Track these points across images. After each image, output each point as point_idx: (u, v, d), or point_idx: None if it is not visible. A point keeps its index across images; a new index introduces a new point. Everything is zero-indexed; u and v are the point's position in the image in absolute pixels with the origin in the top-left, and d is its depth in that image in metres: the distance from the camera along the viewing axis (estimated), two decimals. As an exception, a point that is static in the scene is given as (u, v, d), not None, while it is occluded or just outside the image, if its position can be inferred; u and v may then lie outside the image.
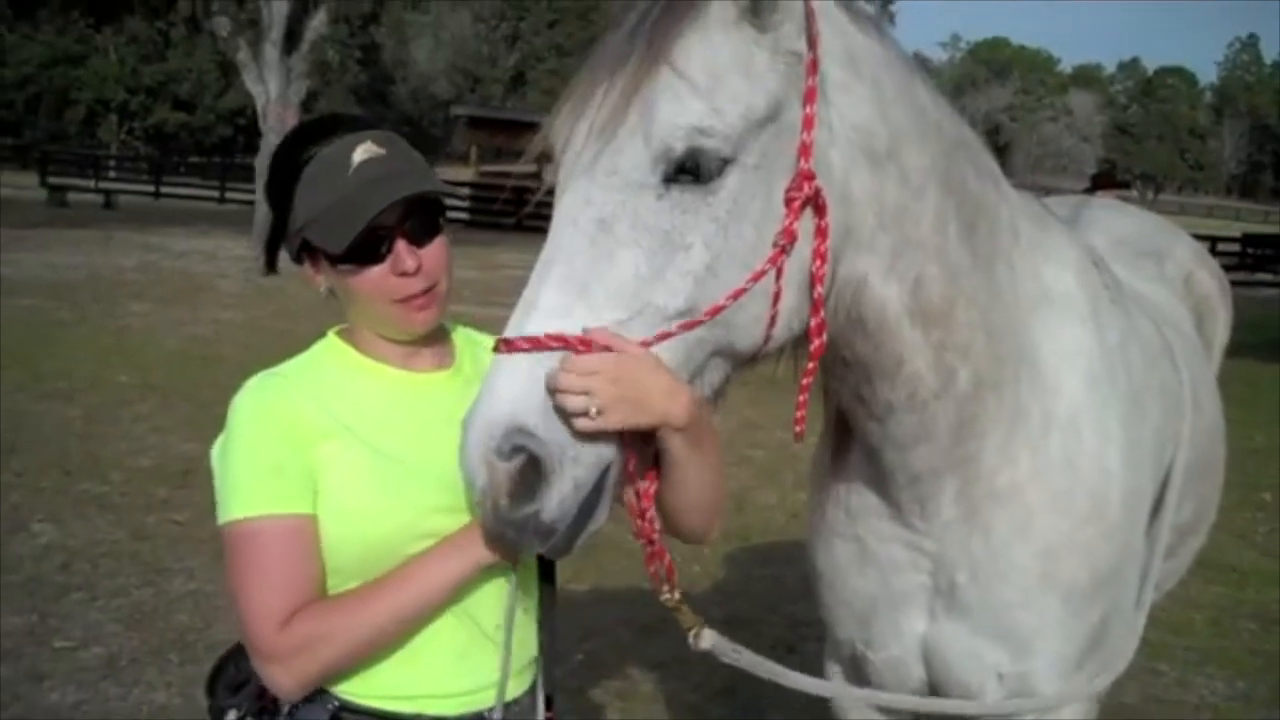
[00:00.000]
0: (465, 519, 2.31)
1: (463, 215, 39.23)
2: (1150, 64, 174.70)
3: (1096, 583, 2.77)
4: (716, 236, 2.09)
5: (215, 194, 47.12)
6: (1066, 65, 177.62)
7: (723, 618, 6.82)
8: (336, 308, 2.52)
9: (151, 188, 47.66)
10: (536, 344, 1.99)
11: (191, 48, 75.08)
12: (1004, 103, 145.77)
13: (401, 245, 2.33)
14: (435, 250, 2.38)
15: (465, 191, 41.34)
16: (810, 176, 2.17)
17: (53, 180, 43.14)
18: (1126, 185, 14.18)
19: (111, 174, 52.98)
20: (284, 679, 2.28)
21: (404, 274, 2.33)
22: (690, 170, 2.07)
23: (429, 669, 2.37)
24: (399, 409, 2.43)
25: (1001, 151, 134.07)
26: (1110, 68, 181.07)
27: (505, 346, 2.01)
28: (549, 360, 1.98)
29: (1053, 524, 2.71)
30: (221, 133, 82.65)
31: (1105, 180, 12.78)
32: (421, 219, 2.37)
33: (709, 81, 2.08)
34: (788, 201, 2.15)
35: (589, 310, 2.01)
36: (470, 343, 2.63)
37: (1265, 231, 55.72)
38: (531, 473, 1.98)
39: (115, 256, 24.41)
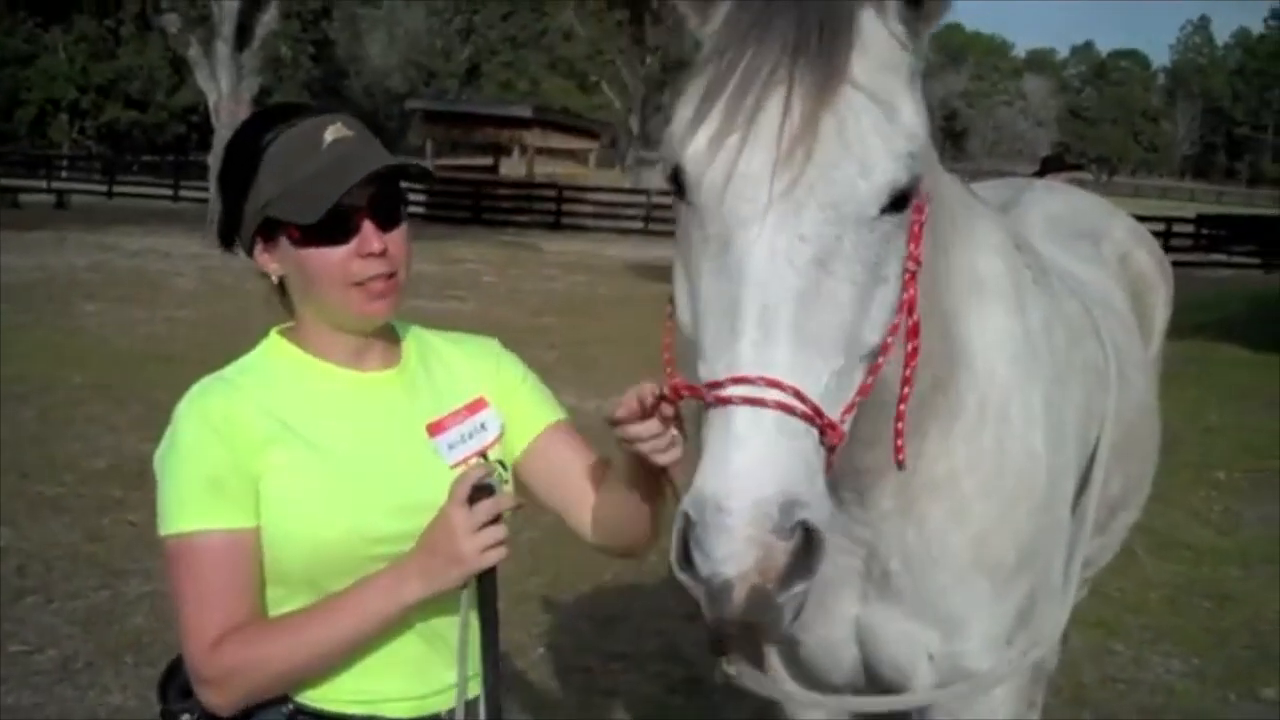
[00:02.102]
0: (417, 521, 2.26)
1: (419, 209, 39.22)
2: (1103, 47, 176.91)
3: (1022, 561, 2.79)
4: (901, 265, 2.04)
5: (169, 192, 46.76)
6: (1020, 50, 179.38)
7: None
8: (280, 306, 2.49)
9: (104, 187, 47.32)
10: (811, 416, 1.85)
11: (142, 45, 74.44)
12: (959, 88, 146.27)
13: (368, 226, 2.29)
14: (398, 238, 2.35)
15: (421, 185, 41.29)
16: (928, 200, 2.12)
17: (3, 181, 42.71)
18: (1079, 168, 14.04)
19: (63, 174, 52.52)
20: (214, 698, 2.25)
21: (369, 255, 2.29)
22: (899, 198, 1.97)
23: (386, 675, 2.35)
24: (347, 410, 2.39)
25: (958, 137, 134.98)
26: (1063, 52, 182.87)
27: (757, 402, 1.82)
28: (799, 425, 1.84)
29: (984, 509, 2.71)
30: (174, 130, 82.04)
31: (1055, 164, 12.76)
32: (388, 205, 2.34)
33: (890, 99, 1.97)
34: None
35: (823, 362, 1.89)
36: (418, 340, 2.59)
37: (1219, 212, 56.16)
38: (804, 548, 1.81)
39: (68, 257, 24.20)
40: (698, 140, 1.98)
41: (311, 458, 2.30)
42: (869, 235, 1.95)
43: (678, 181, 2.03)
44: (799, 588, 1.82)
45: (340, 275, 2.30)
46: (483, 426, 2.48)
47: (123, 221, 32.94)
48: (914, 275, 2.10)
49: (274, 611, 2.32)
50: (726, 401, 1.85)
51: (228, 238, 2.46)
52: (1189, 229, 39.46)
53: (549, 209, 42.94)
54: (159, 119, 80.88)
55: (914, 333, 2.21)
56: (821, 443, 1.89)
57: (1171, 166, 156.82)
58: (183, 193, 45.31)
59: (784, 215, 1.90)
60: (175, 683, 2.44)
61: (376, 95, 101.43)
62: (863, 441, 2.48)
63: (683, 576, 1.85)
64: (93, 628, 6.36)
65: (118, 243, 27.53)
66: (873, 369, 2.01)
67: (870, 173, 1.92)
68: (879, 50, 2.01)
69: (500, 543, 2.21)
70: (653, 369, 2.20)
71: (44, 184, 45.73)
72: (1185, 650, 6.86)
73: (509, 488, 2.46)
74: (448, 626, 2.38)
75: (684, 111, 2.03)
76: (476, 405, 2.50)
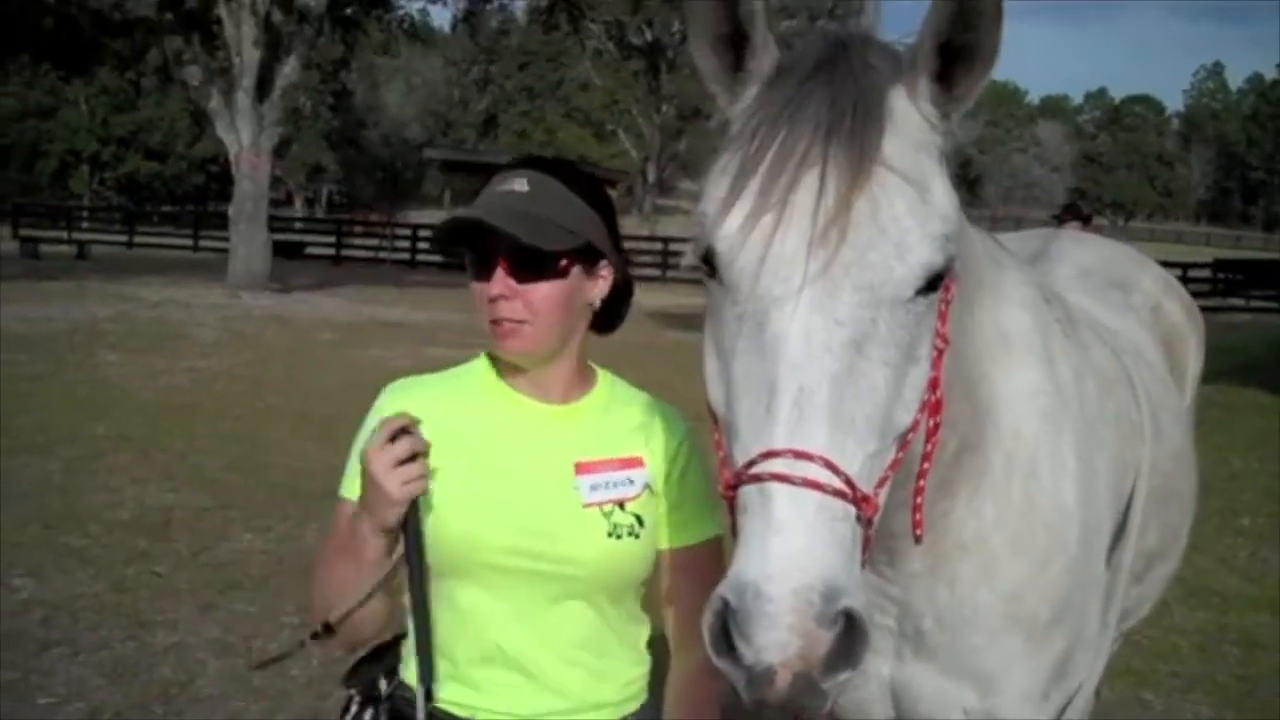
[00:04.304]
0: (528, 542, 2.48)
1: (437, 258, 39.32)
2: (1117, 93, 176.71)
3: (1056, 616, 2.76)
4: (931, 344, 2.04)
5: (189, 242, 47.09)
6: (1034, 96, 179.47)
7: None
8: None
9: (125, 238, 47.66)
10: (844, 491, 1.84)
11: (163, 97, 75.13)
12: (973, 135, 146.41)
13: (499, 272, 2.45)
14: (536, 291, 2.48)
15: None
16: (955, 277, 2.11)
17: (24, 232, 43.04)
18: (1088, 219, 13.74)
19: (84, 225, 52.94)
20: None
21: (492, 298, 2.46)
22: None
23: (488, 694, 2.53)
24: (509, 430, 2.58)
25: (973, 184, 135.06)
26: (1077, 98, 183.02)
27: (792, 481, 1.81)
28: (837, 510, 1.83)
29: (1014, 566, 2.69)
30: (194, 181, 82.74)
31: (1069, 214, 12.78)
32: (534, 260, 2.46)
33: (922, 179, 1.98)
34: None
35: (857, 445, 1.88)
36: (611, 390, 2.72)
37: (1236, 257, 56.11)
38: (847, 635, 1.79)
39: (90, 307, 24.28)
40: (731, 220, 1.97)
41: (459, 466, 2.51)
42: (904, 317, 1.95)
43: (709, 261, 2.02)
44: (844, 674, 1.79)
45: (482, 309, 2.51)
46: (630, 481, 2.59)
47: (143, 272, 33.12)
48: (941, 354, 2.09)
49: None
50: (757, 479, 1.84)
51: None
52: (1206, 274, 39.44)
53: (566, 257, 42.88)
54: (179, 170, 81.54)
55: (935, 409, 2.16)
56: (858, 520, 1.87)
57: (1187, 211, 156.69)
58: (203, 243, 45.65)
59: (819, 297, 1.90)
60: (361, 671, 2.74)
61: (394, 144, 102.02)
62: (892, 507, 2.42)
63: (721, 663, 1.82)
64: (120, 679, 6.34)
65: (138, 293, 27.64)
66: (902, 445, 2.01)
67: (906, 255, 1.93)
68: (911, 131, 2.02)
69: (419, 477, 2.38)
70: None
71: (65, 235, 46.02)
72: (1215, 699, 6.82)
73: (644, 541, 2.59)
74: (544, 656, 2.54)
75: (715, 191, 2.02)
76: (632, 461, 2.61)
